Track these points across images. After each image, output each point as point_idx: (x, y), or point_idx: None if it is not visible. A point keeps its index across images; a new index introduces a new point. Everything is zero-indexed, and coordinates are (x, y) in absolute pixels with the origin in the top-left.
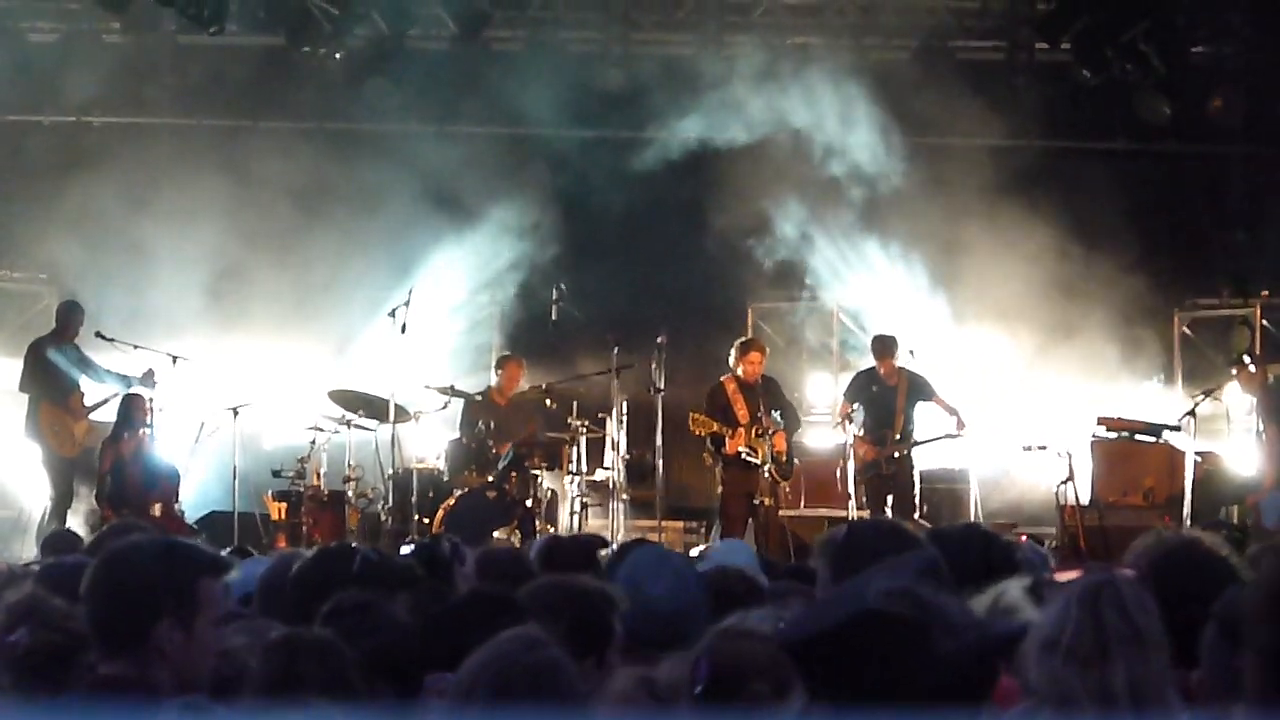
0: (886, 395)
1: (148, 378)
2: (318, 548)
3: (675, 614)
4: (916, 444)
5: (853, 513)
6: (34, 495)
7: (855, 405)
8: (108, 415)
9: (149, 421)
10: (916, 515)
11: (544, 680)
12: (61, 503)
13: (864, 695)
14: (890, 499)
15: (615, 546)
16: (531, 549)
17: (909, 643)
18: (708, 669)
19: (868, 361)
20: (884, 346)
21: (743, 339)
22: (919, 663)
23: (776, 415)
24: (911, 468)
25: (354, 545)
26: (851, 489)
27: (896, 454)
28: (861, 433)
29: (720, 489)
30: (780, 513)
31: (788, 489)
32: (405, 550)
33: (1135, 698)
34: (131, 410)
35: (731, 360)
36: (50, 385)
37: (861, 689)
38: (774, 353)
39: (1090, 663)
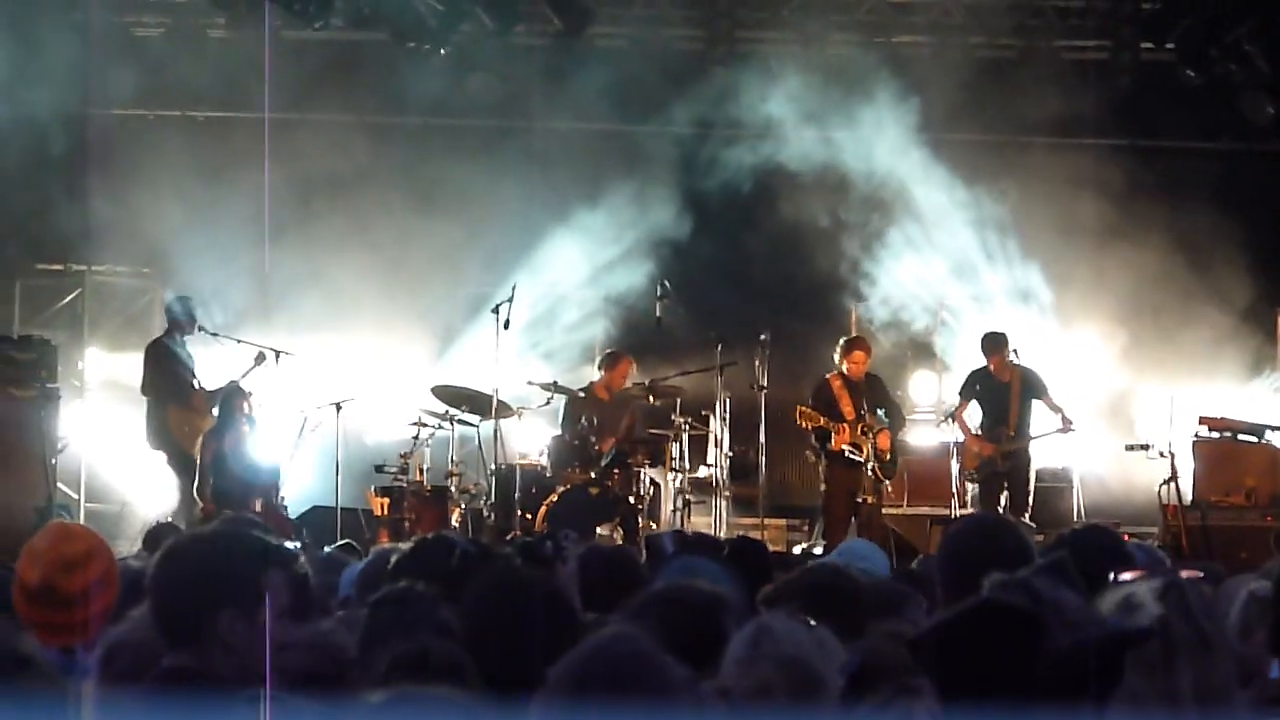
0: (1000, 392)
1: (260, 359)
2: (416, 539)
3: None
4: (1033, 439)
5: (956, 511)
6: (136, 488)
7: (969, 403)
8: None
9: (250, 416)
10: (1028, 507)
11: (647, 677)
12: (192, 497)
13: (979, 687)
14: (1004, 497)
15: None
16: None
17: (1023, 635)
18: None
19: (972, 360)
20: (994, 343)
21: (848, 337)
22: (1033, 655)
23: (881, 413)
24: (1028, 464)
25: (451, 537)
26: (960, 487)
27: (1013, 449)
28: (978, 432)
29: (823, 486)
30: (883, 511)
31: (890, 487)
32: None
33: (1201, 701)
34: (233, 405)
35: (836, 358)
36: (175, 386)
37: (976, 680)
38: (877, 351)
39: (1155, 667)
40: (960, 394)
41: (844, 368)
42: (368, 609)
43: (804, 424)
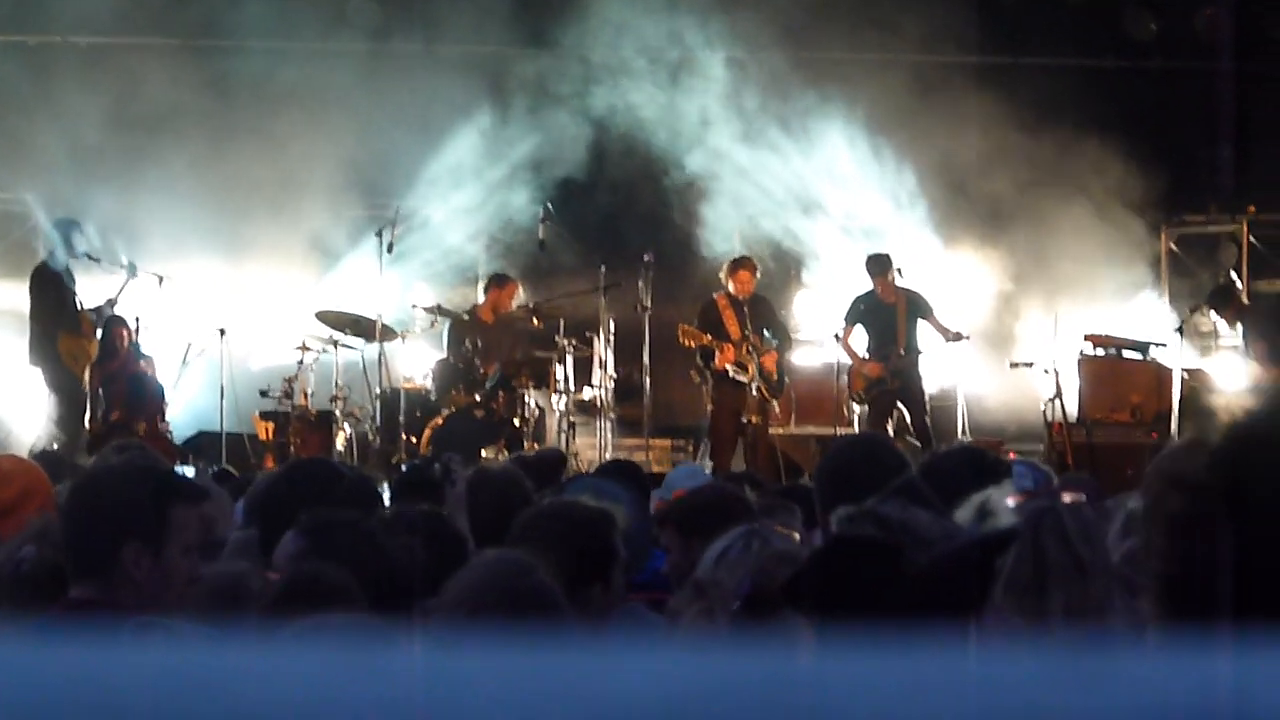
0: (887, 313)
1: (131, 268)
2: (289, 463)
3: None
4: (921, 354)
5: (842, 433)
6: (18, 414)
7: (855, 326)
8: None
9: (134, 342)
10: (928, 424)
11: (532, 605)
12: (78, 424)
13: (848, 620)
14: (895, 416)
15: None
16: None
17: (877, 564)
18: (749, 586)
19: (856, 283)
20: (879, 265)
21: (735, 256)
22: (889, 580)
23: (767, 334)
24: (920, 380)
25: (327, 460)
26: (854, 407)
27: (902, 367)
28: (865, 355)
29: (709, 407)
30: (770, 431)
31: (778, 408)
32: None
33: (1073, 622)
34: (113, 332)
35: (722, 277)
36: (64, 313)
37: (845, 615)
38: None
39: (1027, 591)
40: (845, 318)
41: (730, 287)
42: (304, 536)
43: (686, 342)
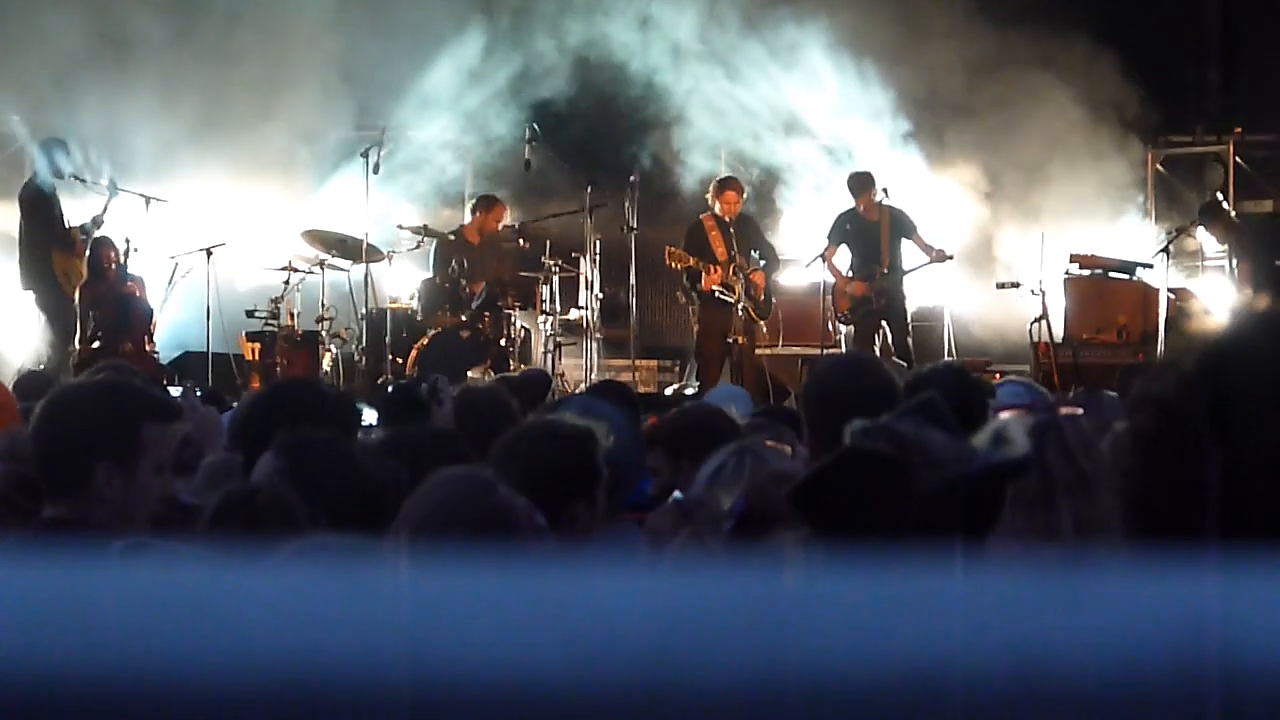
0: (870, 231)
1: (113, 186)
2: (271, 383)
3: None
4: (906, 273)
5: (826, 350)
6: (7, 335)
7: (839, 246)
8: None
9: (122, 263)
10: (909, 344)
11: (493, 524)
12: (68, 345)
13: (852, 533)
14: (881, 334)
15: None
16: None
17: (888, 479)
18: (742, 505)
19: (839, 199)
20: (861, 182)
21: (721, 176)
22: (898, 498)
23: (755, 254)
24: (903, 299)
25: (310, 380)
26: (840, 328)
27: (886, 286)
28: (850, 274)
29: (696, 327)
30: (757, 352)
31: (765, 328)
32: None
33: (1081, 536)
34: (100, 253)
35: (709, 198)
36: (57, 231)
37: (849, 528)
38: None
39: (1035, 505)
40: (829, 237)
41: (716, 208)
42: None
43: (672, 264)
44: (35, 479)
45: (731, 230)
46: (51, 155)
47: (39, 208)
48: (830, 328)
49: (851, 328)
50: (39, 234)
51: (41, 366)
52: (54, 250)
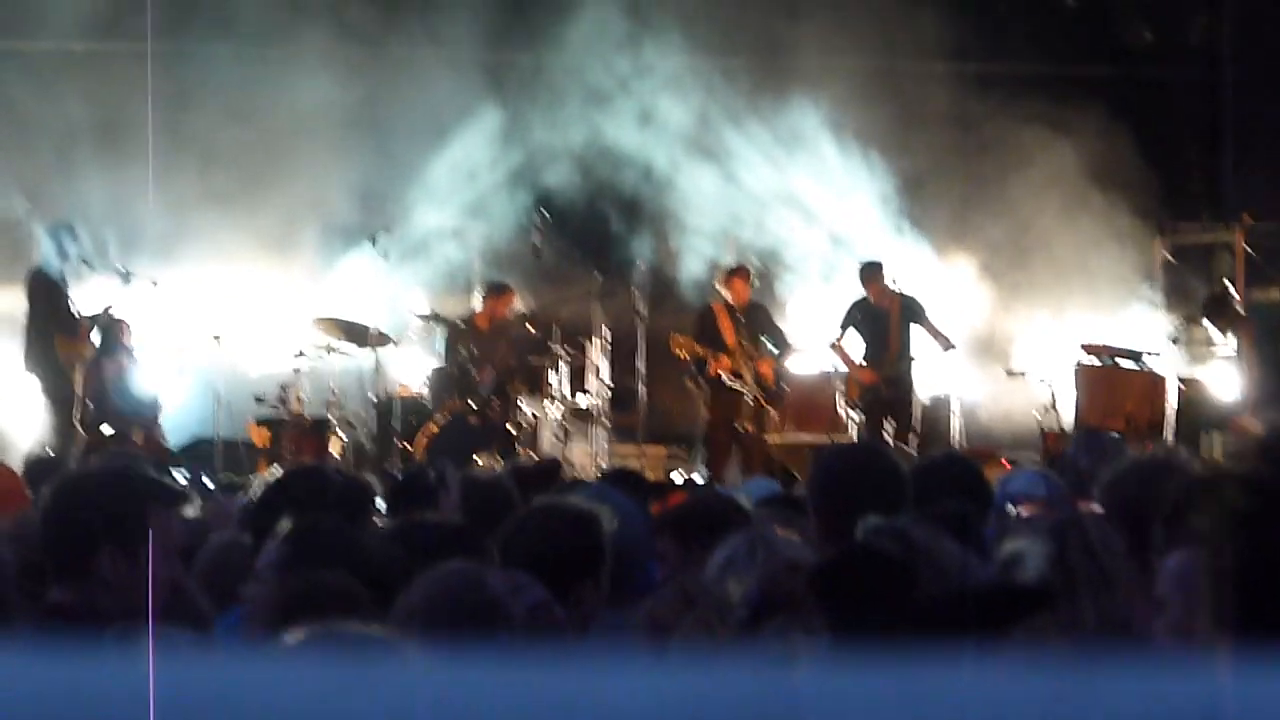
0: (880, 319)
1: (126, 275)
2: (283, 470)
3: (615, 554)
4: (914, 360)
5: (837, 440)
6: (13, 418)
7: (850, 332)
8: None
9: (129, 346)
10: (914, 437)
11: (482, 619)
12: (71, 430)
13: (859, 626)
14: (888, 422)
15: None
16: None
17: (892, 579)
18: (757, 593)
19: (850, 288)
20: (872, 272)
21: (731, 264)
22: (902, 599)
23: (766, 341)
24: (911, 388)
25: (319, 466)
26: (846, 414)
27: (895, 374)
28: (861, 362)
29: (705, 414)
30: (766, 439)
31: (775, 415)
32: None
33: (1103, 633)
34: (112, 335)
35: (718, 285)
36: (62, 317)
37: (856, 620)
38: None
39: (1059, 603)
40: (841, 325)
41: (726, 295)
42: (282, 542)
43: (679, 353)
44: (41, 563)
45: (741, 317)
46: (59, 240)
47: (44, 294)
48: (841, 416)
49: (861, 415)
50: (43, 320)
51: (50, 451)
52: (57, 335)
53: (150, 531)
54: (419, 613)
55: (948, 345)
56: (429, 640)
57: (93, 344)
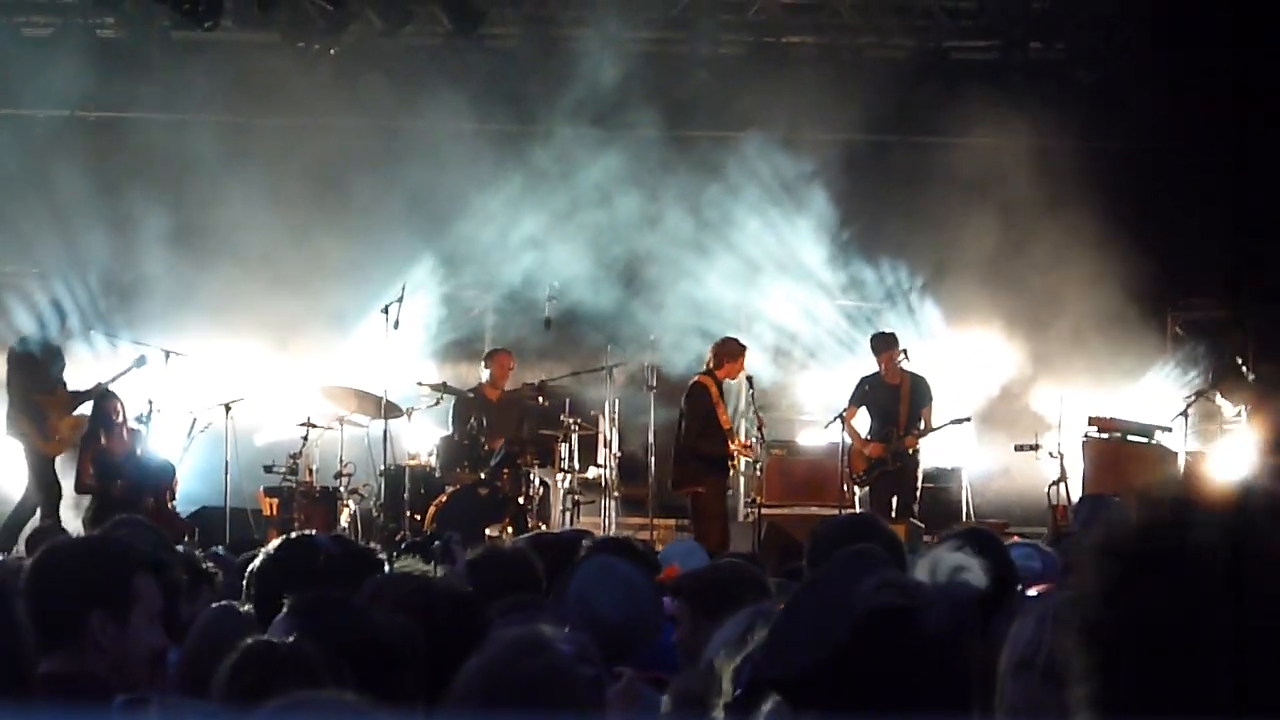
0: (890, 394)
1: (140, 360)
2: (279, 540)
3: (623, 627)
4: (922, 434)
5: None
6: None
7: (859, 408)
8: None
9: (135, 417)
10: (913, 508)
11: (544, 687)
12: (53, 502)
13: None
14: (894, 498)
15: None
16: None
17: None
18: (750, 671)
19: (861, 362)
20: (883, 343)
21: (724, 340)
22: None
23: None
24: (917, 464)
25: (316, 538)
26: (849, 489)
27: (902, 449)
28: (868, 437)
29: (700, 490)
30: (770, 511)
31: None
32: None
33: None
34: (104, 407)
35: (714, 362)
36: (38, 383)
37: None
38: (763, 353)
39: (1067, 682)
40: (850, 399)
41: (721, 373)
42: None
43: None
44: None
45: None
46: (41, 322)
47: (22, 366)
48: (846, 489)
49: (867, 489)
50: (21, 390)
51: (49, 522)
52: (35, 396)
53: (137, 596)
54: (475, 683)
55: (960, 419)
56: (487, 712)
57: (69, 411)
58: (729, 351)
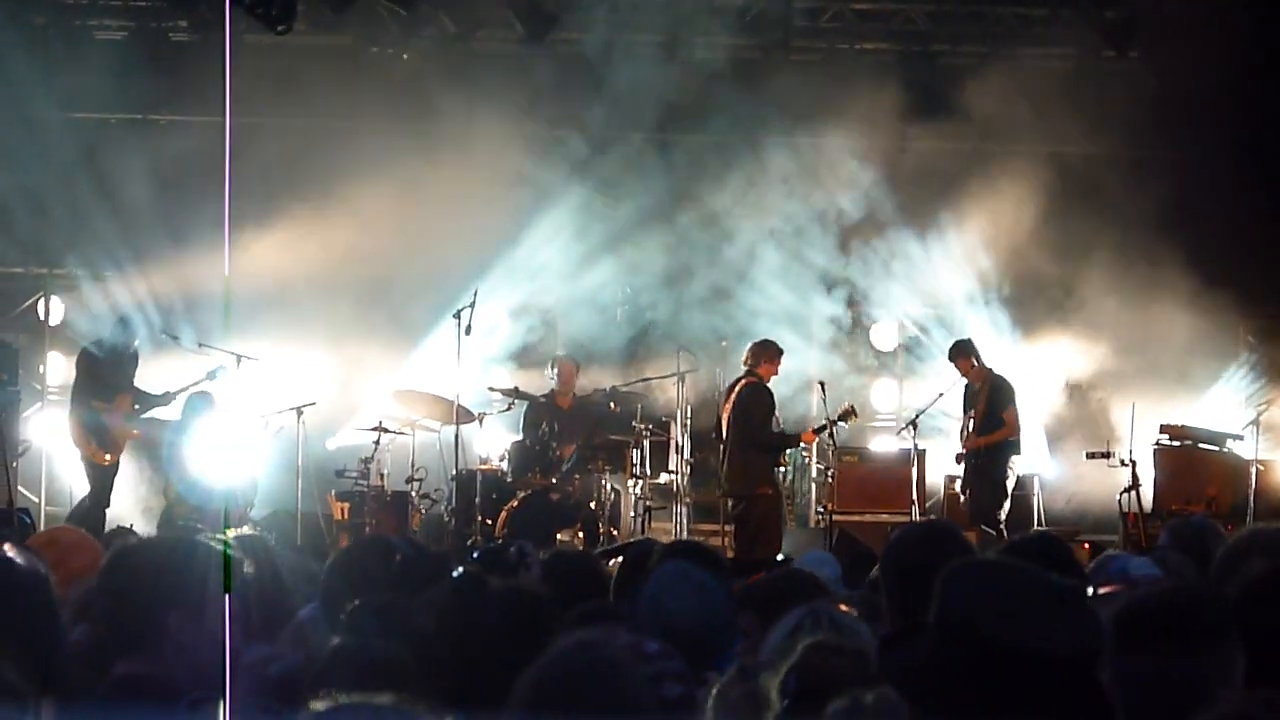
0: (971, 397)
1: (213, 373)
2: (352, 542)
3: (699, 631)
4: (984, 438)
5: (916, 518)
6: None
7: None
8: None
9: (223, 426)
10: (1003, 511)
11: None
12: (97, 509)
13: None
14: (966, 499)
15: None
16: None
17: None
18: (796, 682)
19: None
20: (959, 350)
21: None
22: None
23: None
24: (993, 468)
25: (390, 539)
26: (923, 495)
27: (969, 450)
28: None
29: (769, 491)
30: (841, 518)
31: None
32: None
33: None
34: (196, 410)
35: (760, 364)
36: (97, 389)
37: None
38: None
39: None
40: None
41: (766, 374)
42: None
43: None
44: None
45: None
46: (112, 328)
47: (86, 371)
48: (916, 496)
49: (940, 496)
50: (81, 396)
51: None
52: (94, 402)
53: (213, 595)
54: (541, 692)
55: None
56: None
57: (132, 416)
58: (768, 353)
